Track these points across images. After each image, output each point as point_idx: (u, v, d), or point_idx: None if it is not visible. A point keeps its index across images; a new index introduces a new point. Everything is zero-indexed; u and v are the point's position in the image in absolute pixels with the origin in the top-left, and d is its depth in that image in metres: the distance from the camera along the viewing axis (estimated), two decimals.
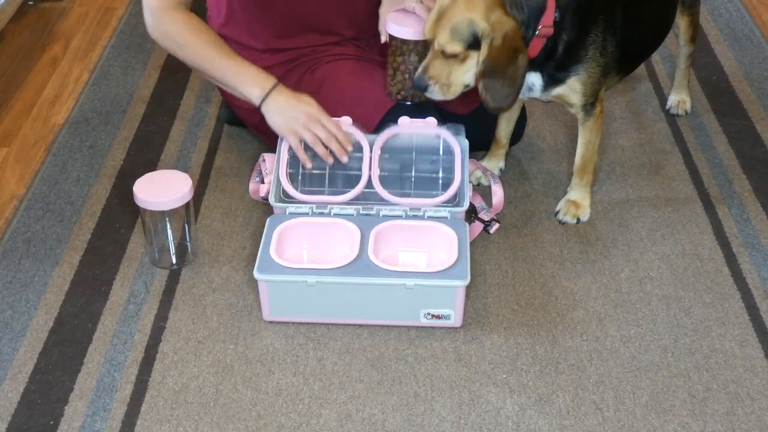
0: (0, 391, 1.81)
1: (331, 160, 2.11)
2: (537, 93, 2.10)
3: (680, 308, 2.00)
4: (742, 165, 2.43)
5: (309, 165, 2.11)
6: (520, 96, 2.15)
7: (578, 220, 2.23)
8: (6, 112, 2.67)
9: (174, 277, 2.08)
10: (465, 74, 1.96)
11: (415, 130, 2.15)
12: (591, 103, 2.12)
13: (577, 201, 2.24)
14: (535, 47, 1.97)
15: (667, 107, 2.64)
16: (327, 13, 2.26)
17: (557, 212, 2.24)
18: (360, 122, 2.20)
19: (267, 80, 2.10)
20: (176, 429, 1.74)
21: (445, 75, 1.96)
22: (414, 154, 2.16)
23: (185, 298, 2.02)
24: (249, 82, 2.10)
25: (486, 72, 1.92)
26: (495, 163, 2.38)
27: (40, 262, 2.12)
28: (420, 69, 1.98)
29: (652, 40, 2.32)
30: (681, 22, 2.46)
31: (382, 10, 2.20)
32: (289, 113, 2.08)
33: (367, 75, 2.25)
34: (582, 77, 2.06)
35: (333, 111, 2.21)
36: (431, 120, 2.18)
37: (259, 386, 1.82)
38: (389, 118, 2.19)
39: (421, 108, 2.19)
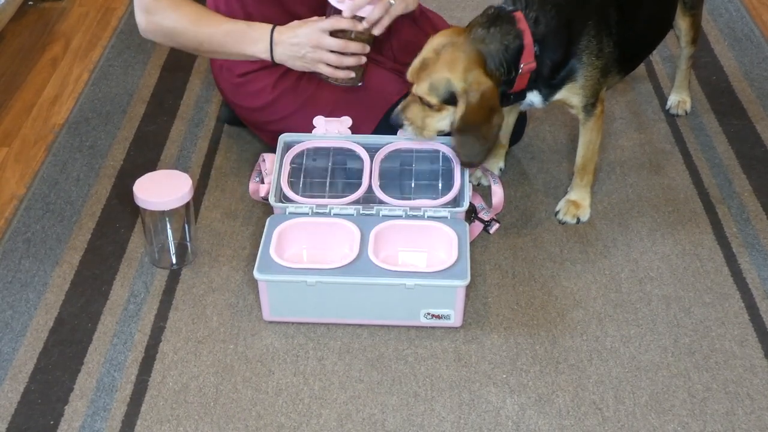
0: (0, 391, 1.81)
1: (354, 61, 2.12)
2: (539, 106, 2.13)
3: (680, 308, 2.00)
4: (742, 165, 2.43)
5: (342, 75, 2.13)
6: (522, 107, 2.18)
7: (578, 220, 2.23)
8: (6, 112, 2.67)
9: (174, 277, 2.08)
10: (439, 122, 2.02)
11: (415, 145, 2.15)
12: (592, 104, 2.12)
13: (577, 201, 2.24)
14: (522, 81, 2.01)
15: (667, 107, 2.64)
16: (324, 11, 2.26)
17: (557, 212, 2.25)
18: (359, 124, 2.20)
19: (261, 36, 2.13)
20: (176, 429, 1.74)
21: (420, 119, 2.02)
22: (413, 162, 2.17)
23: (185, 298, 2.02)
24: (249, 46, 2.14)
25: (461, 128, 1.96)
26: (495, 162, 2.38)
27: (40, 262, 2.12)
28: (399, 107, 2.04)
29: (652, 38, 2.32)
30: (682, 24, 2.46)
31: None
32: (297, 53, 2.11)
33: (367, 74, 2.25)
34: (580, 81, 2.07)
35: (332, 111, 2.21)
36: None
37: (259, 386, 1.82)
38: (388, 120, 2.19)
39: None
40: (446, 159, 2.15)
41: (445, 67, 1.94)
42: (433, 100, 1.96)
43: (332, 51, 2.11)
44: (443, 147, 2.15)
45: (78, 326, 1.95)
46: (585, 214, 2.24)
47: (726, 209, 2.28)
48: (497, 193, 2.20)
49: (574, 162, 2.24)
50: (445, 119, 2.00)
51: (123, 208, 2.27)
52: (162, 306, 2.00)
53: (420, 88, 1.97)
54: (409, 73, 2.01)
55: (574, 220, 2.23)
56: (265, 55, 2.14)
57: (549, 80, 2.05)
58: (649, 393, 1.81)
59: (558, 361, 1.87)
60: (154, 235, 2.07)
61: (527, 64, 1.98)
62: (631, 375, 1.85)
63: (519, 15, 1.97)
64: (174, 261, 2.10)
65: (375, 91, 2.22)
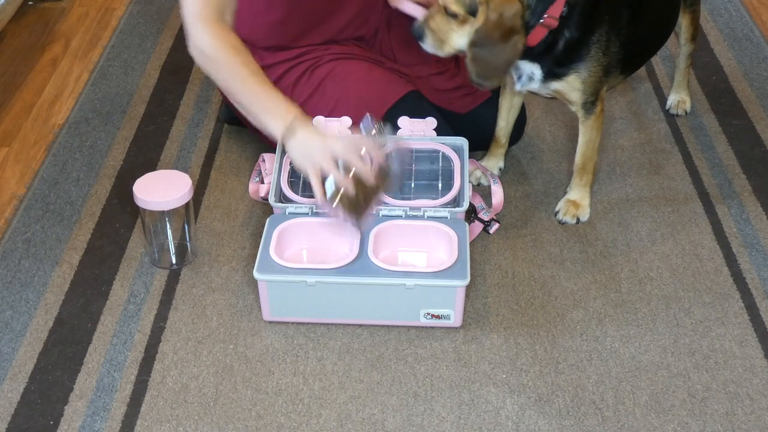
0: (0, 391, 1.81)
1: (351, 188, 1.85)
2: (537, 84, 2.10)
3: (680, 308, 2.00)
4: (742, 165, 2.43)
5: (322, 199, 1.88)
6: (520, 87, 2.13)
7: (578, 220, 2.23)
8: (6, 112, 2.67)
9: (174, 277, 2.08)
10: (461, 38, 1.96)
11: (416, 145, 2.15)
12: (591, 102, 2.12)
13: (576, 201, 2.24)
14: (536, 36, 1.96)
15: (667, 107, 2.64)
16: (328, 8, 2.25)
17: (557, 212, 2.24)
18: (360, 122, 2.20)
19: (289, 112, 1.93)
20: (176, 429, 1.74)
21: (443, 31, 1.96)
22: (413, 162, 2.17)
23: (185, 298, 2.02)
24: (273, 115, 1.94)
25: (477, 42, 1.91)
26: (494, 162, 2.38)
27: (40, 262, 2.12)
28: (421, 18, 1.98)
29: (657, 38, 2.32)
30: (682, 21, 2.46)
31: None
32: (310, 144, 1.89)
33: (367, 74, 2.25)
34: (582, 75, 2.06)
35: (333, 110, 2.21)
36: (431, 120, 2.18)
37: (259, 386, 1.82)
38: (390, 119, 2.19)
39: (421, 109, 2.20)
40: (446, 159, 2.15)
41: None
42: (458, 9, 1.90)
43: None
44: (443, 147, 2.15)
45: (78, 326, 1.95)
46: (585, 214, 2.24)
47: (726, 209, 2.28)
48: (497, 193, 2.20)
49: (573, 161, 2.24)
50: (467, 35, 1.94)
51: (123, 208, 2.27)
52: (162, 306, 2.00)
53: None
54: None
55: (574, 220, 2.22)
56: (277, 134, 1.93)
57: (556, 63, 2.02)
58: (649, 393, 1.81)
59: (558, 361, 1.87)
60: (154, 235, 2.07)
61: (550, 17, 1.93)
62: (631, 375, 1.85)
63: None
64: (174, 261, 2.11)
65: (376, 91, 2.22)
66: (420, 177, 2.17)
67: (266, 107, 1.95)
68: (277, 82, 2.26)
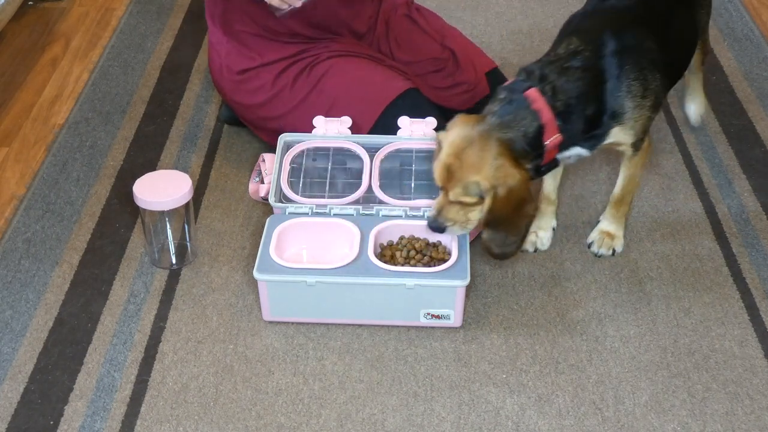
0: (0, 391, 1.81)
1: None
2: (587, 155, 2.00)
3: (680, 308, 2.00)
4: (742, 165, 2.43)
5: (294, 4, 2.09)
6: (571, 160, 2.02)
7: (614, 251, 2.14)
8: (6, 112, 2.67)
9: (174, 277, 2.08)
10: (480, 213, 1.89)
11: (415, 145, 2.15)
12: (641, 139, 2.02)
13: (611, 232, 2.15)
14: (551, 154, 1.89)
15: (692, 120, 2.54)
16: (328, 5, 2.25)
17: (590, 244, 2.15)
18: (358, 119, 2.20)
19: None
20: (176, 429, 1.74)
21: (462, 216, 1.89)
22: (413, 162, 2.17)
23: (185, 298, 2.02)
24: None
25: (489, 223, 1.86)
26: (547, 221, 2.19)
27: (40, 262, 2.12)
28: (434, 212, 1.91)
29: (685, 54, 2.24)
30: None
31: None
32: None
33: (366, 71, 2.25)
34: (629, 123, 1.95)
35: (332, 107, 2.21)
36: (431, 121, 2.18)
37: (259, 386, 1.82)
38: (388, 116, 2.19)
39: (420, 106, 2.19)
40: None
41: (471, 171, 1.82)
42: (471, 199, 1.85)
43: None
44: None
45: (78, 326, 1.95)
46: (620, 245, 2.14)
47: (726, 209, 2.28)
48: None
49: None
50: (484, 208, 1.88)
51: (123, 208, 2.27)
52: (162, 306, 2.00)
53: (455, 194, 1.86)
54: (438, 179, 1.88)
55: (610, 252, 2.13)
56: None
57: (588, 135, 1.93)
58: (649, 393, 1.81)
59: (558, 361, 1.87)
60: (154, 235, 2.07)
61: (552, 140, 1.86)
62: (631, 375, 1.85)
63: (533, 93, 1.84)
64: (174, 261, 2.11)
65: (375, 87, 2.22)
66: (420, 177, 2.17)
67: None
68: (276, 79, 2.26)
